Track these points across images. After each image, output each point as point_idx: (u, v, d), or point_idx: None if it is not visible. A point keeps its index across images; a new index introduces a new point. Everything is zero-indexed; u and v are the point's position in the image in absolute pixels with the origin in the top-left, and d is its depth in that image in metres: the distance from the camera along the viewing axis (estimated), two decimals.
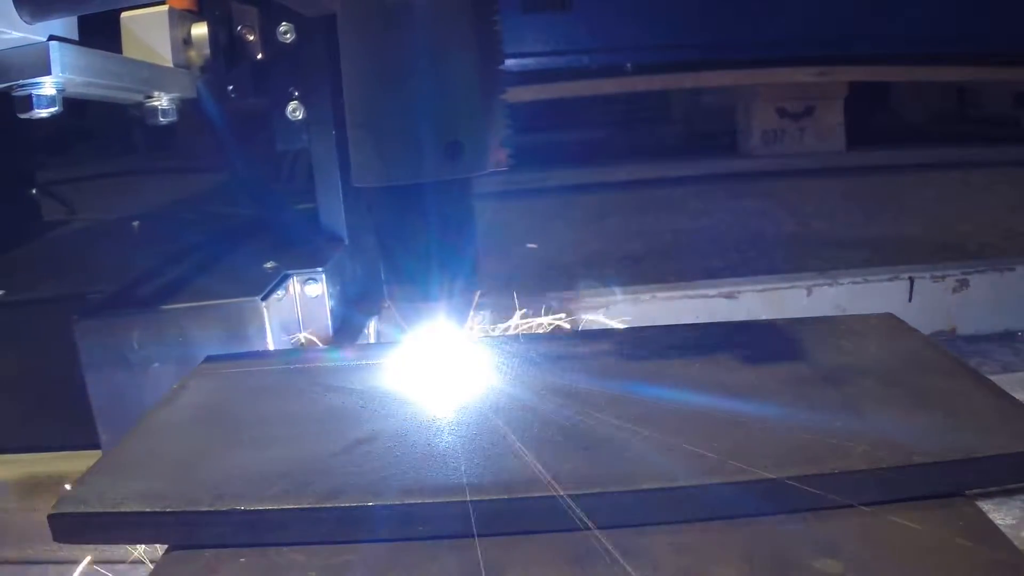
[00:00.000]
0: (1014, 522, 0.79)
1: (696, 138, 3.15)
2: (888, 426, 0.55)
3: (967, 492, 0.52)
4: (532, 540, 0.50)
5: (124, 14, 0.89)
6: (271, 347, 0.85)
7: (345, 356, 0.78)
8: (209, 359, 0.78)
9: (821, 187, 2.45)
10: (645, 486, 0.51)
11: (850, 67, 2.64)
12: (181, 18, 0.94)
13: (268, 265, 0.94)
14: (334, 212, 1.07)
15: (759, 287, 1.37)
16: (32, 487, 0.93)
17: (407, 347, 0.86)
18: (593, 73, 2.59)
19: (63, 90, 0.72)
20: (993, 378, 0.63)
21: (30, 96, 0.70)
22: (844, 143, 2.78)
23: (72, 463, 0.88)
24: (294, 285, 0.93)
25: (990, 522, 0.49)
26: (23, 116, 0.71)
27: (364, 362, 0.75)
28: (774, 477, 0.50)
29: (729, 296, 1.36)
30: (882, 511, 0.49)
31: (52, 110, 0.72)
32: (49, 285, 1.05)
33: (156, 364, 0.84)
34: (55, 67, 0.69)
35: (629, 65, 2.62)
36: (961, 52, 2.57)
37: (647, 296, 1.34)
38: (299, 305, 0.93)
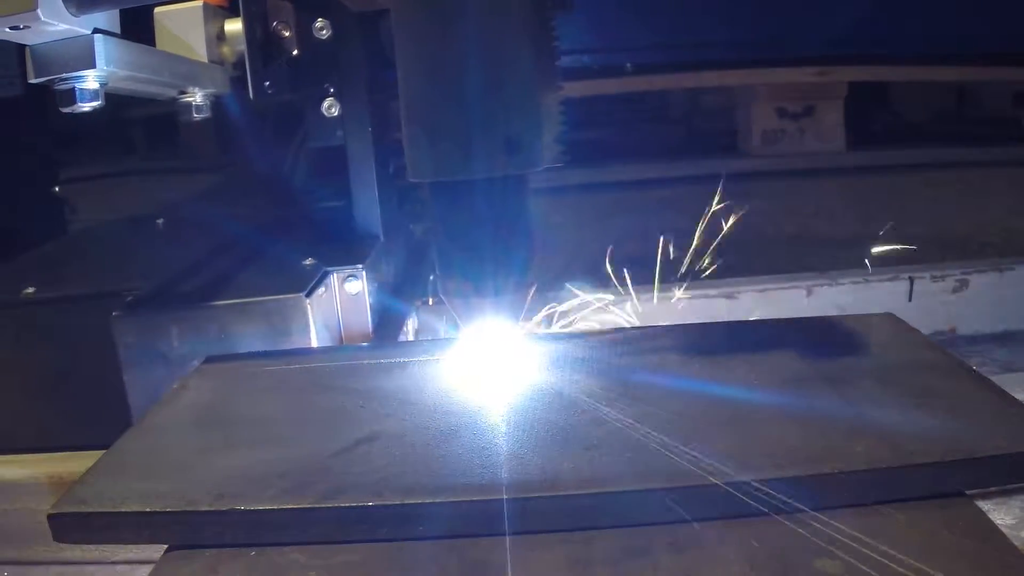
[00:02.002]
0: (1014, 522, 0.79)
1: (696, 138, 3.15)
2: (888, 426, 0.55)
3: (967, 492, 0.52)
4: (532, 540, 0.49)
5: (158, 9, 0.89)
6: (315, 344, 0.85)
7: (345, 356, 0.77)
8: (209, 359, 0.78)
9: (821, 187, 2.45)
10: (645, 486, 0.51)
11: (850, 67, 2.64)
12: (214, 14, 0.94)
13: (307, 262, 0.93)
14: (369, 209, 1.06)
15: (759, 287, 1.37)
16: (37, 487, 0.93)
17: (406, 347, 0.86)
18: (593, 73, 2.58)
19: (106, 84, 0.72)
20: (993, 378, 0.63)
21: (73, 89, 0.69)
22: (844, 143, 2.78)
23: (79, 463, 0.88)
24: (334, 282, 0.92)
25: (990, 522, 0.49)
26: (65, 110, 0.70)
27: (364, 362, 0.75)
28: (774, 477, 0.50)
29: (729, 296, 1.37)
30: (882, 511, 0.49)
31: (95, 104, 0.71)
32: (80, 282, 1.03)
33: (196, 362, 0.83)
34: (99, 60, 0.68)
35: (629, 65, 2.62)
36: (961, 52, 2.57)
37: (647, 296, 1.34)
38: (339, 302, 0.93)
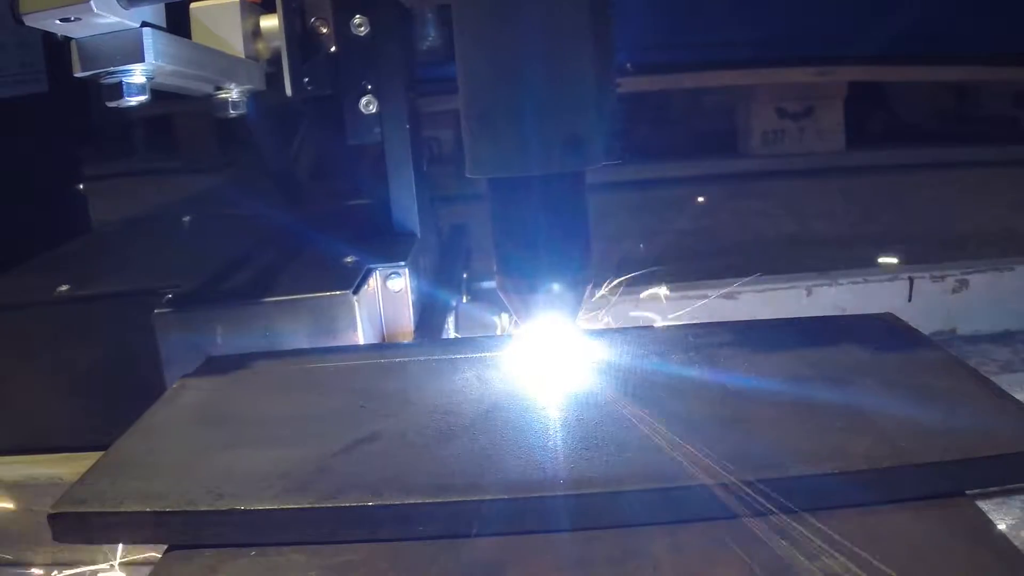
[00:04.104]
0: (1014, 522, 0.79)
1: (696, 138, 3.15)
2: (888, 426, 0.55)
3: (967, 492, 0.52)
4: (532, 540, 0.49)
5: (194, 5, 0.89)
6: (361, 341, 0.84)
7: (346, 356, 0.77)
8: (210, 360, 0.78)
9: (821, 187, 2.46)
10: (645, 486, 0.51)
11: (850, 67, 2.65)
12: (250, 10, 0.94)
13: (348, 259, 0.93)
14: (407, 206, 1.05)
15: (759, 287, 1.37)
16: (37, 487, 0.92)
17: (407, 347, 0.86)
18: None
19: (152, 78, 0.71)
20: (993, 378, 0.63)
21: (120, 83, 0.68)
22: (844, 143, 2.78)
23: (79, 463, 0.87)
24: (376, 279, 0.92)
25: (990, 522, 0.49)
26: (112, 104, 0.69)
27: (365, 362, 0.75)
28: (774, 477, 0.50)
29: (729, 296, 1.37)
30: (882, 511, 0.49)
31: (141, 99, 0.70)
32: (114, 280, 1.02)
33: None
34: (148, 54, 0.67)
35: (629, 65, 2.62)
36: (961, 52, 2.57)
37: (647, 297, 1.34)
38: (381, 300, 0.93)
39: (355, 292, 0.84)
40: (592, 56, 0.61)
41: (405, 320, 0.93)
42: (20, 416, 0.97)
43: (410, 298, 0.93)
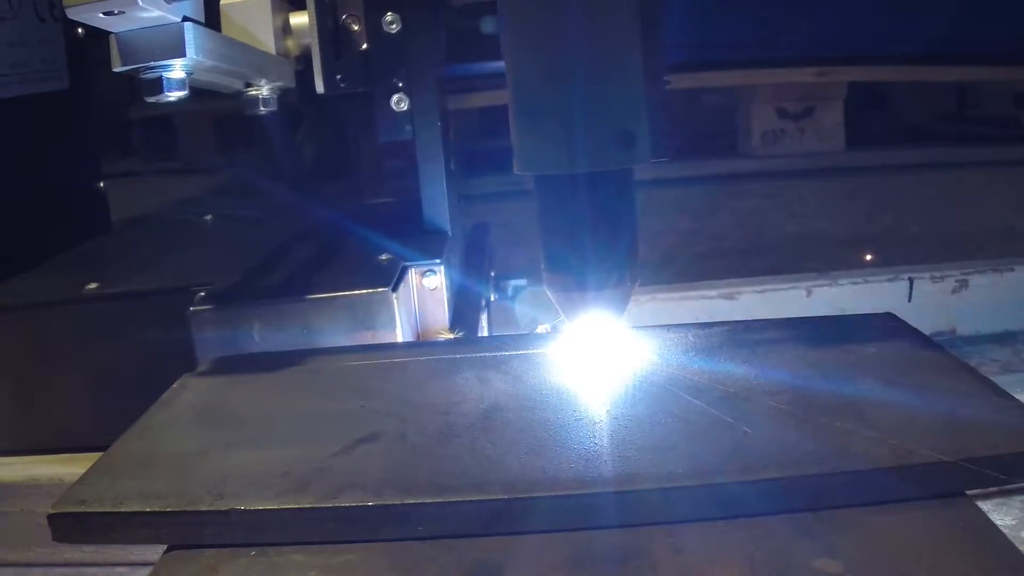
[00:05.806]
0: (1014, 522, 0.79)
1: (696, 138, 3.15)
2: (888, 426, 0.55)
3: (967, 492, 0.52)
4: (532, 540, 0.49)
5: (224, 1, 0.89)
6: (399, 339, 0.84)
7: (347, 356, 0.77)
8: (211, 360, 0.78)
9: (821, 187, 2.46)
10: (644, 486, 0.51)
11: (850, 67, 2.64)
12: (280, 7, 0.94)
13: (382, 257, 0.93)
14: (438, 204, 1.04)
15: (759, 287, 1.37)
16: (37, 487, 0.92)
17: (408, 347, 0.86)
18: None
19: (192, 73, 0.70)
20: (993, 378, 0.63)
21: (160, 79, 0.68)
22: (844, 143, 2.78)
23: (79, 464, 0.87)
24: (412, 277, 0.92)
25: (990, 522, 0.49)
26: (151, 100, 0.69)
27: (365, 362, 0.75)
28: (774, 477, 0.50)
29: (729, 297, 1.37)
30: (882, 511, 0.49)
31: (181, 94, 0.70)
32: (143, 278, 1.00)
33: None
34: (189, 49, 0.67)
35: None
36: (961, 52, 2.57)
37: (646, 297, 1.35)
38: (416, 297, 0.92)
39: (394, 289, 0.84)
40: (643, 50, 0.60)
41: (440, 318, 0.93)
42: (49, 416, 0.96)
43: (445, 295, 0.93)
